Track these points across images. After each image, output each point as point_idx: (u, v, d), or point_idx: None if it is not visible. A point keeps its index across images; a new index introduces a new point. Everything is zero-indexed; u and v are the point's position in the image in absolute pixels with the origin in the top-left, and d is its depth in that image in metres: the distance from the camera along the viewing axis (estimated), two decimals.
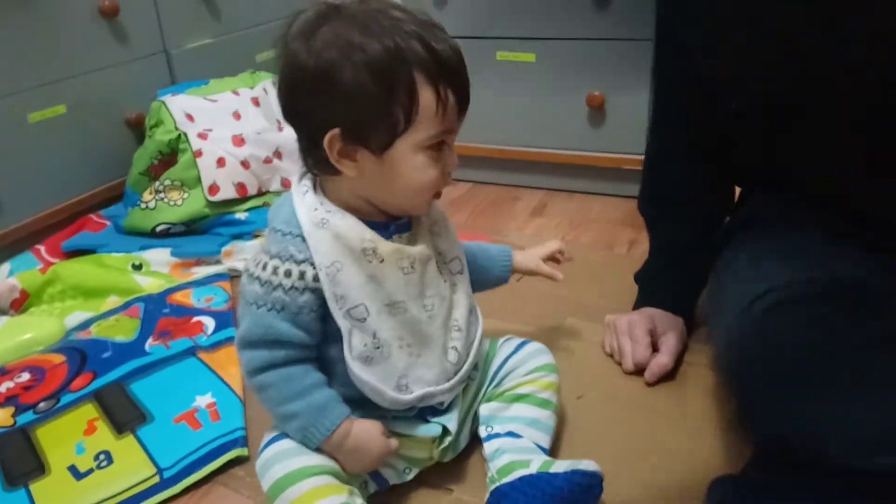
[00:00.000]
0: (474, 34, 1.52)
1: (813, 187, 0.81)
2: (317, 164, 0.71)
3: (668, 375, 0.93)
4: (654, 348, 0.95)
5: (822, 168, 0.79)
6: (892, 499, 0.64)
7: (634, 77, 1.42)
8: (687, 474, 0.76)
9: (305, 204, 0.70)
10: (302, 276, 0.68)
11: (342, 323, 0.69)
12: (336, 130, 0.66)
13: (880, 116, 0.70)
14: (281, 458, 0.69)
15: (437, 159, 0.69)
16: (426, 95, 0.65)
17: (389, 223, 0.73)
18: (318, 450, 0.70)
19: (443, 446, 0.77)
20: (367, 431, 0.72)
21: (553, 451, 0.80)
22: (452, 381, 0.75)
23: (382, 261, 0.70)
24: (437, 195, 0.73)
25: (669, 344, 0.94)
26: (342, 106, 0.65)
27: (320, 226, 0.69)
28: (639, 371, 0.94)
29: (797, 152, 0.80)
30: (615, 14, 1.39)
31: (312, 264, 0.68)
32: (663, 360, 0.93)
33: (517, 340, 0.85)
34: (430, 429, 0.76)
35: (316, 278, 0.68)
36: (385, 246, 0.70)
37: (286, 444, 0.71)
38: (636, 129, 1.45)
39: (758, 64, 0.75)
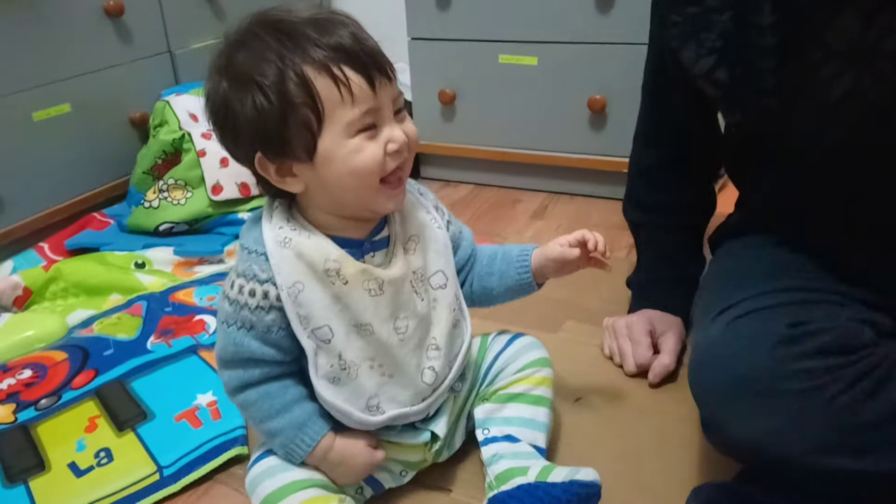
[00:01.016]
0: (476, 37, 1.53)
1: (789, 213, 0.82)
2: (270, 190, 0.69)
3: (670, 376, 0.94)
4: (654, 349, 0.96)
5: (797, 197, 0.79)
6: None
7: (636, 80, 1.42)
8: (685, 478, 0.76)
9: (272, 223, 0.68)
10: (266, 295, 0.67)
11: (306, 343, 0.68)
12: (259, 154, 0.65)
13: (848, 155, 0.70)
14: (270, 474, 0.70)
15: (373, 137, 0.65)
16: (322, 84, 0.62)
17: (363, 241, 0.70)
18: (304, 464, 0.71)
19: (435, 448, 0.77)
20: (351, 445, 0.71)
21: (551, 454, 0.80)
22: (429, 401, 0.74)
23: (346, 282, 0.68)
24: (396, 182, 0.68)
25: (669, 344, 0.95)
26: (249, 129, 0.64)
27: (283, 245, 0.67)
28: (641, 373, 0.94)
29: (778, 175, 0.80)
30: (617, 18, 1.40)
31: (275, 284, 0.66)
32: (665, 360, 0.93)
33: (508, 335, 0.84)
34: (419, 435, 0.76)
35: (279, 298, 0.66)
36: (350, 267, 0.68)
37: (272, 460, 0.71)
38: None
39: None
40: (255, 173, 0.68)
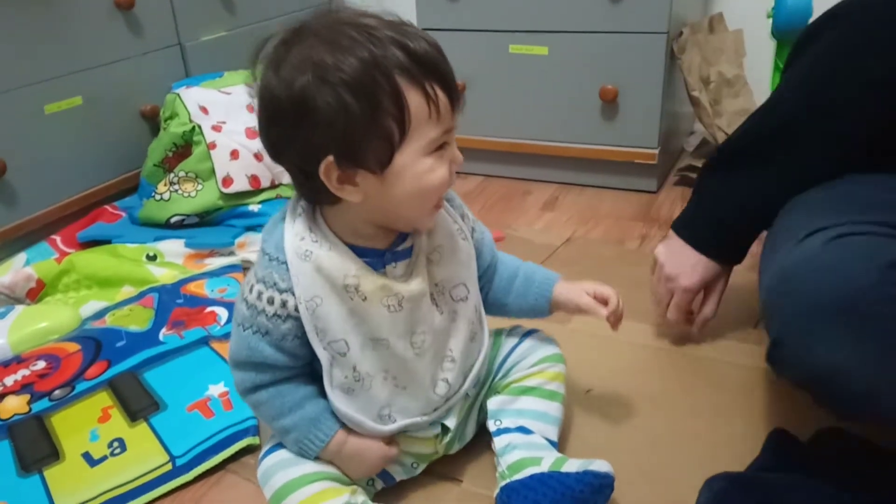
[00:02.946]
0: (487, 27, 1.52)
1: None
2: (315, 196, 0.66)
3: (681, 370, 0.93)
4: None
5: None
6: (884, 499, 0.64)
7: (648, 70, 1.42)
8: (697, 470, 0.76)
9: (293, 230, 0.66)
10: (284, 304, 0.66)
11: (322, 354, 0.67)
12: (330, 158, 0.61)
13: None
14: (282, 467, 0.70)
15: (442, 157, 0.64)
16: (415, 99, 0.60)
17: (385, 251, 0.69)
18: (317, 458, 0.71)
19: (446, 441, 0.77)
20: (365, 440, 0.72)
21: (562, 446, 0.80)
22: (440, 411, 0.74)
23: (365, 298, 0.66)
24: (441, 202, 0.68)
25: (716, 294, 0.95)
26: (329, 132, 0.60)
27: (303, 258, 0.65)
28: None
29: None
30: (628, 7, 1.39)
31: (294, 294, 0.66)
32: (707, 311, 0.96)
33: (522, 330, 0.84)
34: (430, 428, 0.76)
35: (297, 309, 0.66)
36: (369, 283, 0.66)
37: (285, 453, 0.71)
38: (650, 122, 1.45)
39: None
40: (299, 179, 0.66)
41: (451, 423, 0.76)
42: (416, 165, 0.62)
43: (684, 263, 0.93)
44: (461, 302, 0.74)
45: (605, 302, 0.78)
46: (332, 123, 0.59)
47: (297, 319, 0.66)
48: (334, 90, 0.59)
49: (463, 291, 0.74)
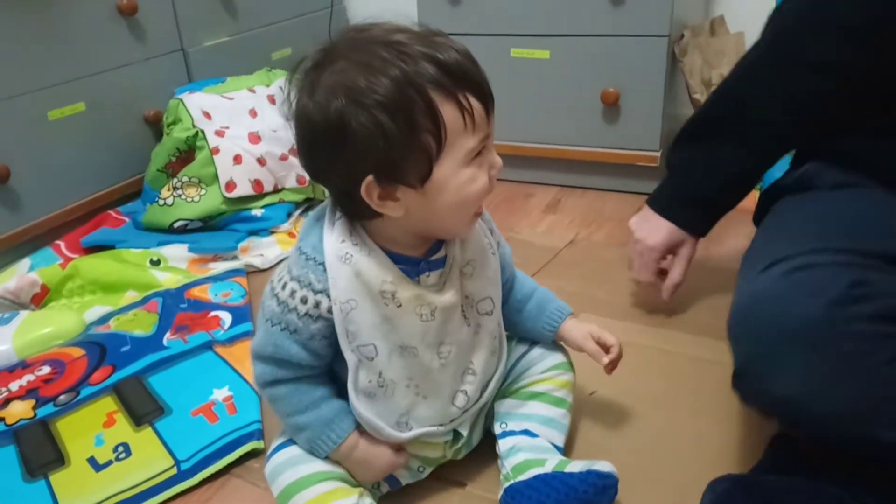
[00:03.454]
0: (489, 31, 1.53)
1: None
2: (358, 212, 0.66)
3: (682, 372, 0.93)
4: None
5: None
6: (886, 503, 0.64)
7: (649, 73, 1.42)
8: (701, 471, 0.76)
9: (334, 233, 0.67)
10: (317, 305, 0.66)
11: (350, 357, 0.68)
12: (370, 178, 0.61)
13: None
14: (290, 465, 0.71)
15: (481, 165, 0.65)
16: (449, 112, 0.60)
17: (421, 259, 0.69)
18: (326, 458, 0.71)
19: (455, 447, 0.77)
20: (375, 445, 0.72)
21: (566, 448, 0.80)
22: (456, 422, 0.75)
23: (400, 305, 0.67)
24: (479, 212, 0.69)
25: (682, 260, 1.02)
26: (368, 153, 0.60)
27: (343, 260, 0.66)
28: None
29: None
30: (630, 10, 1.39)
31: (328, 296, 0.66)
32: (675, 276, 1.03)
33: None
34: (443, 434, 0.76)
35: (330, 310, 0.66)
36: (406, 291, 0.67)
37: (294, 450, 0.72)
38: (651, 125, 1.45)
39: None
40: (341, 200, 0.66)
41: (464, 429, 0.76)
42: (457, 177, 0.63)
43: (651, 227, 1.02)
44: (486, 316, 0.74)
45: (606, 350, 0.80)
46: (371, 145, 0.60)
47: (329, 321, 0.67)
48: (369, 112, 0.59)
49: (489, 305, 0.74)
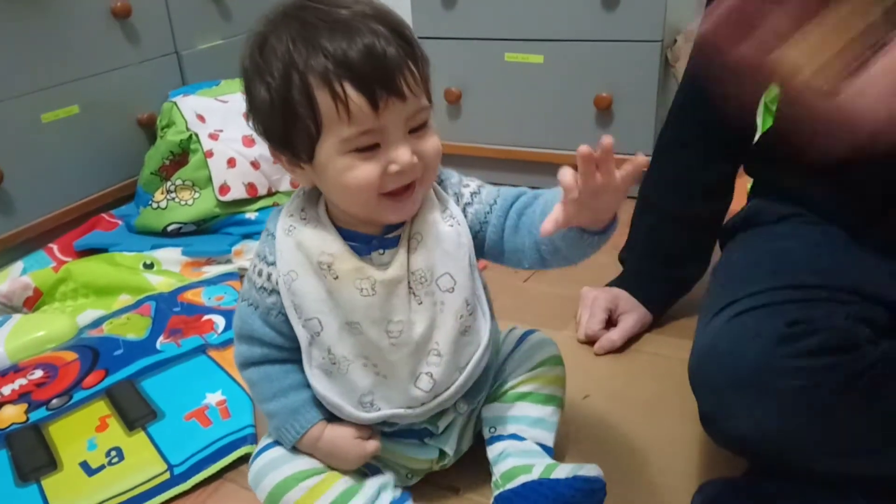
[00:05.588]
0: (483, 36, 1.53)
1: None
2: (302, 181, 0.70)
3: (676, 377, 0.93)
4: (613, 324, 1.03)
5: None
6: None
7: (642, 78, 1.43)
8: (692, 475, 0.76)
9: (289, 207, 0.70)
10: (269, 277, 0.69)
11: (300, 332, 0.69)
12: (268, 143, 0.67)
13: None
14: (274, 466, 0.71)
15: (369, 159, 0.62)
16: (323, 99, 0.61)
17: (374, 237, 0.69)
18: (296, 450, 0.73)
19: (442, 463, 0.78)
20: (339, 437, 0.72)
21: (559, 452, 0.80)
22: (428, 406, 0.71)
23: (337, 278, 0.67)
24: (402, 195, 0.65)
25: (626, 325, 1.02)
26: (263, 120, 0.66)
27: (287, 232, 0.68)
28: (590, 342, 1.03)
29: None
30: (623, 15, 1.40)
31: (277, 267, 0.69)
32: (613, 336, 1.01)
33: (519, 332, 0.83)
34: (428, 451, 0.76)
35: (278, 282, 0.68)
36: (344, 263, 0.67)
37: (275, 451, 0.72)
38: (644, 130, 1.45)
39: None
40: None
41: (450, 448, 0.76)
42: (334, 163, 0.63)
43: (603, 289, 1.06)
44: (448, 293, 0.69)
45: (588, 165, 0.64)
46: (262, 113, 0.65)
47: (280, 294, 0.69)
48: (260, 82, 0.63)
49: (449, 282, 0.69)
